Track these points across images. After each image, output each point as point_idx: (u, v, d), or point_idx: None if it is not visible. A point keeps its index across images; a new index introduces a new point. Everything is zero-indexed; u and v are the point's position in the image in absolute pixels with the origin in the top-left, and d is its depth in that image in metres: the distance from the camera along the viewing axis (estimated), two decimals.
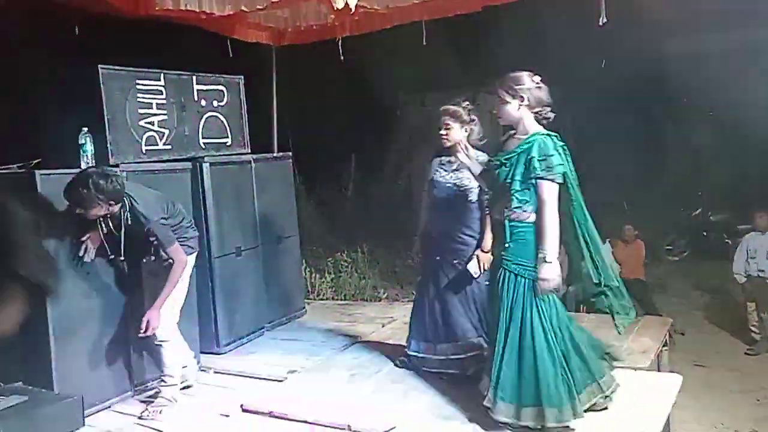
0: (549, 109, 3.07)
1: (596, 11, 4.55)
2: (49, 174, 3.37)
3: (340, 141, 10.20)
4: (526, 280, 3.00)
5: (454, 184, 3.72)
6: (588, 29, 6.02)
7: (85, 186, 3.19)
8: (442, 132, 3.68)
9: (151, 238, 3.39)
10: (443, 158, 3.79)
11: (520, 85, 3.03)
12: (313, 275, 7.37)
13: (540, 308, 2.99)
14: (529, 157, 2.95)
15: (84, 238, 3.46)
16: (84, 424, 3.22)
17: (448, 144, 3.68)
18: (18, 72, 4.00)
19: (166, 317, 3.52)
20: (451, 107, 3.70)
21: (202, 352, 4.30)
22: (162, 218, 3.43)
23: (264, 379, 4.02)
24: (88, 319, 3.57)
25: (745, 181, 9.05)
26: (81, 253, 3.46)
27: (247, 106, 4.85)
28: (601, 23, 4.60)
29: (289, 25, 5.35)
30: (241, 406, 3.55)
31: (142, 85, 3.98)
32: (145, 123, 4.00)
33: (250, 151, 4.85)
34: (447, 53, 7.92)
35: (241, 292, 4.60)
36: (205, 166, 4.31)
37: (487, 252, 3.63)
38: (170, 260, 3.44)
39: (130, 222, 3.38)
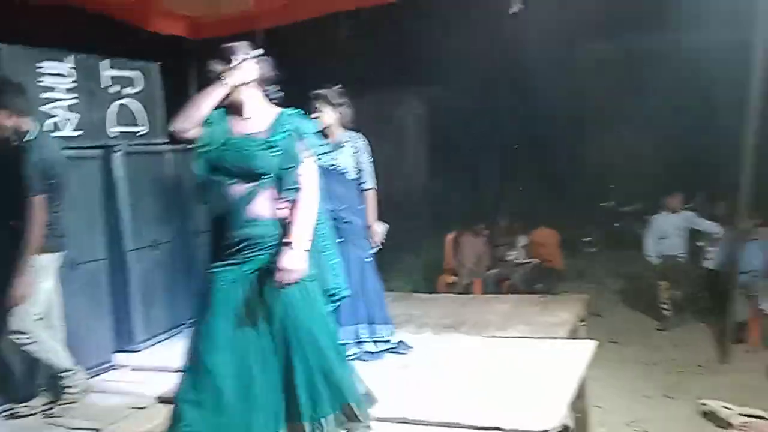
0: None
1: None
2: None
3: None
4: None
5: (331, 164, 3.83)
6: (497, 21, 6.30)
7: None
8: (314, 116, 3.79)
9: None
10: None
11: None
12: None
13: None
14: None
15: None
16: None
17: (320, 127, 3.81)
18: None
19: (24, 311, 3.26)
20: (322, 91, 3.87)
21: (118, 351, 4.16)
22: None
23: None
24: None
25: (654, 174, 9.56)
26: None
27: (168, 96, 4.68)
28: (512, 11, 4.80)
29: (204, 13, 5.25)
30: (158, 397, 3.45)
31: (46, 67, 3.79)
32: (50, 109, 3.82)
33: (168, 140, 4.71)
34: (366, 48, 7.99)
35: (158, 286, 4.45)
36: (116, 156, 4.15)
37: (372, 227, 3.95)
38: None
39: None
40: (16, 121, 3.25)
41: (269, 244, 2.52)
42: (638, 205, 9.43)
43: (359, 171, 3.94)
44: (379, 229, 4.01)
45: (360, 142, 3.97)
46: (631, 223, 9.18)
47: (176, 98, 5.01)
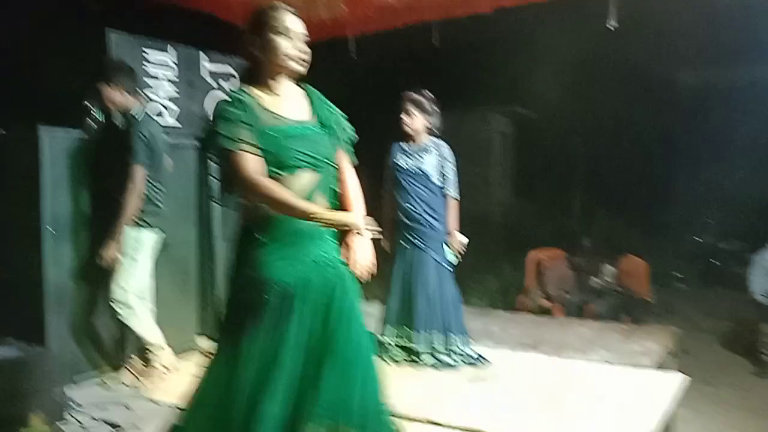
0: None
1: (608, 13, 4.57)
2: (54, 132, 3.40)
3: None
4: None
5: (418, 168, 3.82)
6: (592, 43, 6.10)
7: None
8: (405, 118, 3.75)
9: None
10: (404, 144, 3.93)
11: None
12: None
13: None
14: None
15: None
16: (74, 382, 3.15)
17: (408, 131, 3.77)
18: (33, 37, 4.01)
19: (128, 283, 3.42)
20: (415, 95, 3.86)
21: (201, 334, 4.26)
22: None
23: None
24: (83, 283, 3.52)
25: (755, 209, 8.95)
26: None
27: None
28: (611, 26, 4.61)
29: (301, 16, 5.36)
30: None
31: (151, 55, 3.98)
32: (152, 95, 3.99)
33: None
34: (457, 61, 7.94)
35: None
36: None
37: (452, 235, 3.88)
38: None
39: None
40: (127, 98, 3.47)
41: (327, 237, 2.15)
42: (737, 243, 8.84)
43: (443, 178, 3.91)
44: (461, 239, 3.95)
45: (445, 150, 3.95)
46: (727, 260, 8.60)
47: None
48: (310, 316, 2.02)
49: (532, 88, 8.39)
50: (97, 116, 3.60)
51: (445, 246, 3.90)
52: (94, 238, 3.53)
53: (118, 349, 3.71)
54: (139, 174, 3.36)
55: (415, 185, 3.85)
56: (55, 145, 3.39)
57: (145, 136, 3.38)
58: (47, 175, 3.36)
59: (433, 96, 3.93)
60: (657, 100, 9.06)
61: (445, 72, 7.66)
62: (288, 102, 2.15)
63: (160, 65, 4.04)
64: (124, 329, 3.56)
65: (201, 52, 4.34)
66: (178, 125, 4.15)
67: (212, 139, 2.02)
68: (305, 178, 2.07)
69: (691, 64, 8.69)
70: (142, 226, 3.44)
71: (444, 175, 3.91)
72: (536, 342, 4.40)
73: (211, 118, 2.05)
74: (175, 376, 3.54)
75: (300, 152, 2.05)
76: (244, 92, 2.09)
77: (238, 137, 1.98)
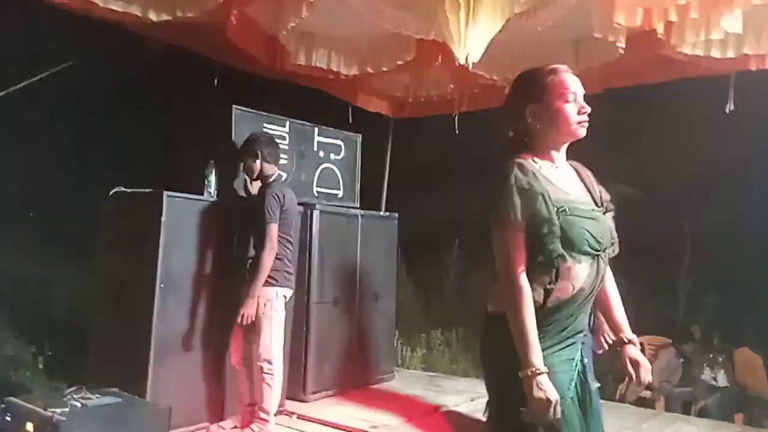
0: None
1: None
2: (175, 196, 3.66)
3: (447, 224, 10.22)
4: None
5: None
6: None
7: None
8: None
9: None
10: None
11: None
12: (405, 349, 7.23)
13: None
14: None
15: None
16: None
17: None
18: (162, 111, 4.42)
19: (271, 341, 3.59)
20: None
21: (287, 398, 4.29)
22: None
23: (345, 430, 3.93)
24: (189, 341, 3.70)
25: None
26: None
27: (364, 166, 5.05)
28: (728, 110, 4.47)
29: (410, 95, 5.59)
30: None
31: (268, 129, 4.27)
32: None
33: (359, 206, 4.98)
34: None
35: (333, 342, 4.60)
36: (316, 213, 4.46)
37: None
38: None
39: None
40: (269, 167, 3.78)
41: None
42: None
43: None
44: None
45: None
46: None
47: (369, 168, 5.38)
48: None
49: (638, 166, 8.18)
50: (214, 183, 3.88)
51: None
52: (205, 295, 3.74)
53: (216, 407, 3.81)
54: (273, 232, 3.55)
55: None
56: (175, 209, 3.64)
57: (279, 197, 3.61)
58: (165, 234, 3.60)
59: None
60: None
61: None
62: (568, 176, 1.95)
63: (277, 137, 4.31)
64: (240, 386, 3.72)
65: (315, 127, 4.63)
66: None
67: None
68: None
69: None
70: (277, 284, 3.62)
71: None
72: None
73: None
74: None
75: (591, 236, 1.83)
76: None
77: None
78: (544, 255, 1.79)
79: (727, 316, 8.17)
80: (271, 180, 3.76)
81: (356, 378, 4.78)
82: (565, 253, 1.79)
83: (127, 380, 3.42)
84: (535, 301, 1.79)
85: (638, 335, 5.67)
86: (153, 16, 3.66)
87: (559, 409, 1.72)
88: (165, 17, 3.67)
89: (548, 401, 1.70)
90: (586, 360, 1.92)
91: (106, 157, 5.21)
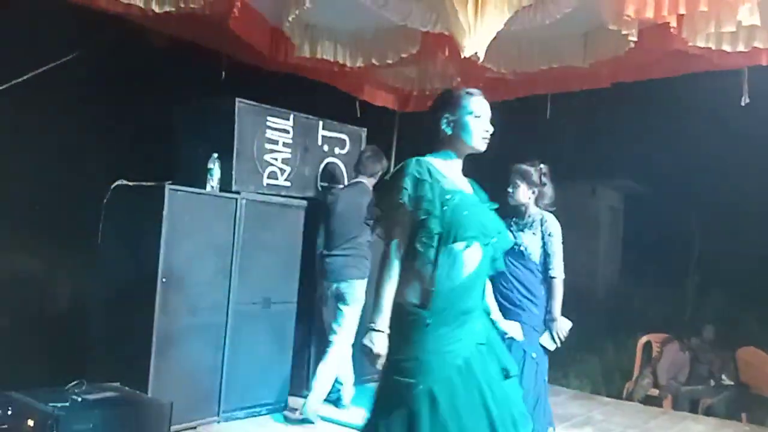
0: None
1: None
2: (177, 190, 3.62)
3: None
4: None
5: (516, 244, 3.45)
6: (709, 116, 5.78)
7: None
8: (509, 190, 3.57)
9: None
10: (509, 219, 3.57)
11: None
12: None
13: None
14: None
15: None
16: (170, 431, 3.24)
17: (513, 203, 3.56)
18: (165, 104, 4.38)
19: (350, 326, 3.95)
20: (522, 166, 3.60)
21: (292, 394, 4.28)
22: None
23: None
24: (190, 336, 3.66)
25: None
26: None
27: None
28: (743, 103, 4.40)
29: (415, 87, 5.53)
30: None
31: (272, 122, 4.22)
32: (270, 158, 4.21)
33: None
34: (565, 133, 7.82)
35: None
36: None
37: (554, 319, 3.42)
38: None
39: None
40: None
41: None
42: None
43: (547, 256, 3.51)
44: (564, 325, 3.46)
45: (549, 224, 3.55)
46: None
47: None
48: None
49: (646, 162, 8.11)
50: (217, 176, 3.84)
51: (537, 333, 3.46)
52: (203, 289, 3.70)
53: (217, 401, 3.78)
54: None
55: (512, 264, 3.47)
56: (177, 202, 3.60)
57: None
58: (167, 228, 3.56)
59: (545, 167, 3.65)
60: None
61: (555, 143, 7.56)
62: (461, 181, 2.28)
63: (281, 131, 4.27)
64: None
65: (320, 121, 4.57)
66: (288, 185, 4.34)
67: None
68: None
69: None
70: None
71: (547, 252, 3.52)
72: None
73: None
74: None
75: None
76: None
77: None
78: (428, 236, 2.05)
79: (735, 314, 8.11)
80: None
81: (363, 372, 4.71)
82: (450, 236, 2.06)
83: (128, 375, 3.41)
84: (424, 280, 2.05)
85: (645, 331, 5.61)
86: (156, 8, 3.61)
87: (382, 361, 2.05)
88: (167, 9, 3.62)
89: (375, 354, 2.05)
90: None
91: (107, 150, 5.18)
